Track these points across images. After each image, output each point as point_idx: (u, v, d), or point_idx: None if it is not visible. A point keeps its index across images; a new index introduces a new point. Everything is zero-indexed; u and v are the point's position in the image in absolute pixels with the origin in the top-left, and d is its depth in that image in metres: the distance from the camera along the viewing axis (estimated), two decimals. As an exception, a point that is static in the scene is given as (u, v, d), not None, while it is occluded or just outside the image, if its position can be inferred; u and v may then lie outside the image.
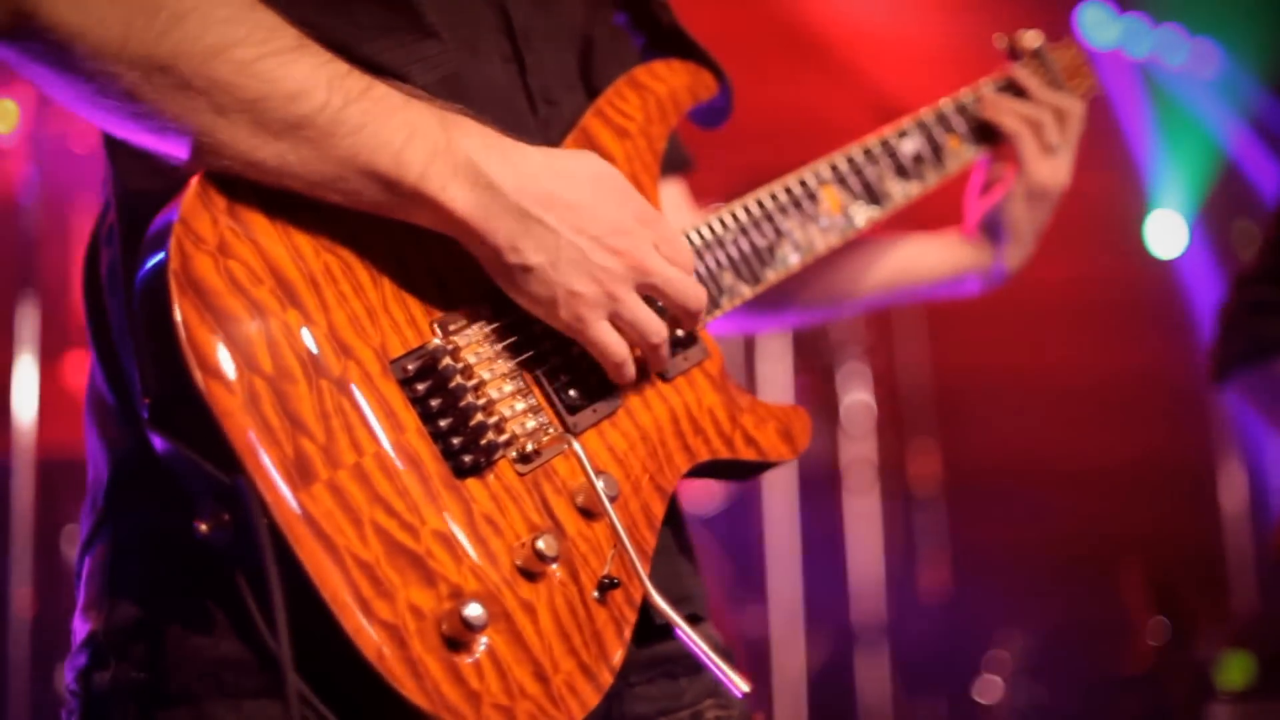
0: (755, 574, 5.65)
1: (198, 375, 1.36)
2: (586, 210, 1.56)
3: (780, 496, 5.73)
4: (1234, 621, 6.56)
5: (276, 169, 1.46)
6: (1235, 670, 6.11)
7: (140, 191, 1.54)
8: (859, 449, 5.99)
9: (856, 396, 6.01)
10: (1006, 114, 2.16)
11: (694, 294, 1.63)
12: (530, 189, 1.53)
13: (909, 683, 5.93)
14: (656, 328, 1.61)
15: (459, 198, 1.50)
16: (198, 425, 1.37)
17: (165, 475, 1.42)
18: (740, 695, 1.52)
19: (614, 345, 1.60)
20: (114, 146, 1.61)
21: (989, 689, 5.69)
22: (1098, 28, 6.92)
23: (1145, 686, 5.88)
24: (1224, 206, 7.19)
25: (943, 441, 6.24)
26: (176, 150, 1.46)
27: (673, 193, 2.13)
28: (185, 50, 1.42)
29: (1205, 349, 3.11)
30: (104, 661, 1.54)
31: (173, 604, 1.50)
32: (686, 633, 1.54)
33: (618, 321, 1.59)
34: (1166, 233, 7.25)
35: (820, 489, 5.92)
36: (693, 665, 1.83)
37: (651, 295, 1.62)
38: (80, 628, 1.60)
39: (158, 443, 1.40)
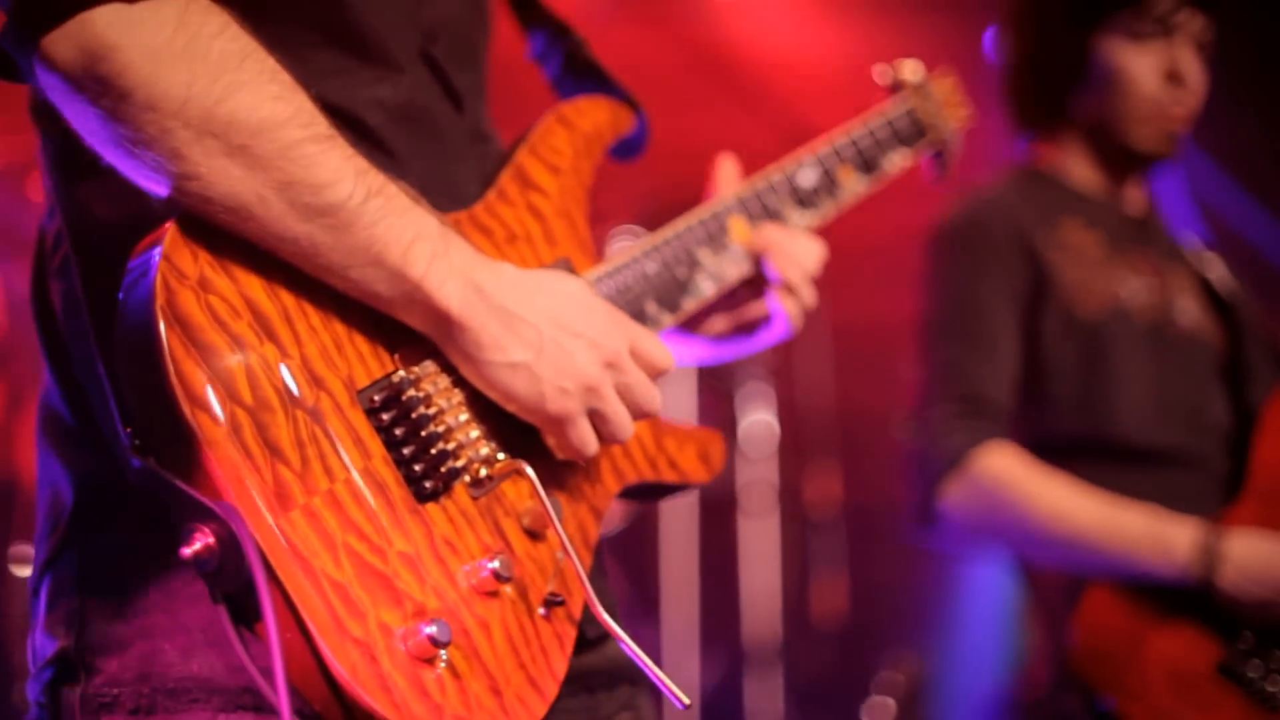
0: (650, 594, 5.80)
1: (185, 407, 1.49)
2: (565, 312, 1.73)
3: (678, 517, 5.89)
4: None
5: (293, 248, 1.60)
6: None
7: (103, 225, 1.67)
8: (759, 470, 6.15)
9: (757, 417, 6.18)
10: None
11: (652, 400, 1.80)
12: (513, 293, 1.70)
13: (801, 704, 6.08)
14: (629, 429, 1.78)
15: (454, 296, 1.66)
16: (183, 453, 1.50)
17: (140, 496, 1.55)
18: (682, 707, 1.68)
19: (590, 444, 1.76)
20: (70, 179, 1.73)
21: (881, 711, 5.88)
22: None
23: (1040, 712, 6.12)
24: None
25: (844, 463, 6.40)
26: (186, 196, 1.57)
27: None
28: (240, 120, 1.55)
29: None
30: (75, 676, 1.67)
31: (150, 622, 1.63)
32: (630, 645, 1.70)
33: (594, 418, 1.76)
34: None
35: (717, 510, 6.07)
36: (608, 680, 2.02)
37: (622, 392, 1.78)
38: (45, 645, 1.72)
39: (139, 468, 1.52)
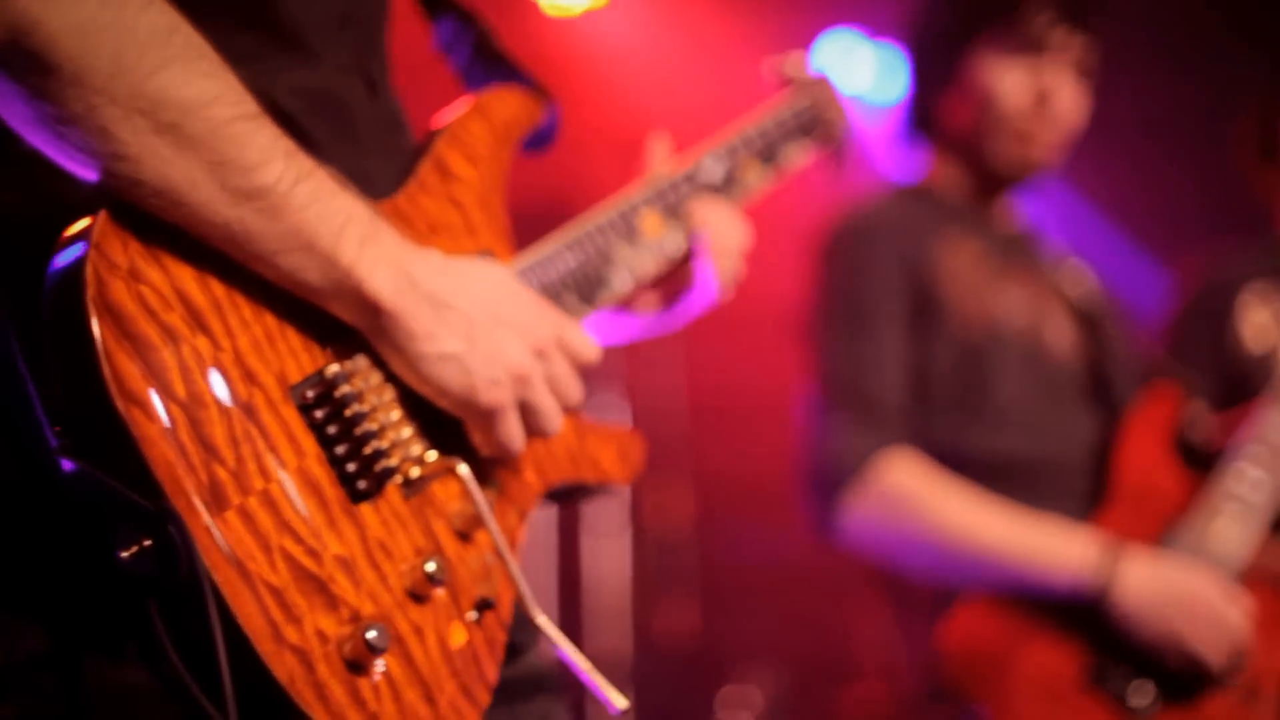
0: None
1: (119, 402, 1.44)
2: (495, 301, 1.71)
3: (532, 530, 5.85)
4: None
5: (223, 233, 1.56)
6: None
7: (18, 216, 1.60)
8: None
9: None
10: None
11: (577, 394, 1.79)
12: (443, 281, 1.68)
13: (650, 720, 6.10)
14: (558, 422, 1.77)
15: (385, 284, 1.63)
16: (116, 452, 1.45)
17: (66, 502, 1.49)
18: (617, 712, 1.68)
19: (519, 438, 1.74)
20: None
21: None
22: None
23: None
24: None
25: (695, 475, 6.44)
26: (114, 177, 1.52)
27: None
28: (169, 97, 1.51)
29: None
30: (5, 694, 1.59)
31: (83, 634, 1.56)
32: (567, 648, 1.69)
33: (524, 411, 1.74)
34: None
35: (566, 524, 6.06)
36: (527, 690, 2.00)
37: (550, 383, 1.76)
38: None
39: (69, 470, 1.47)
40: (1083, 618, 3.02)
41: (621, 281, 2.07)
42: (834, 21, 6.84)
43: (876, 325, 3.22)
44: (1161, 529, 3.17)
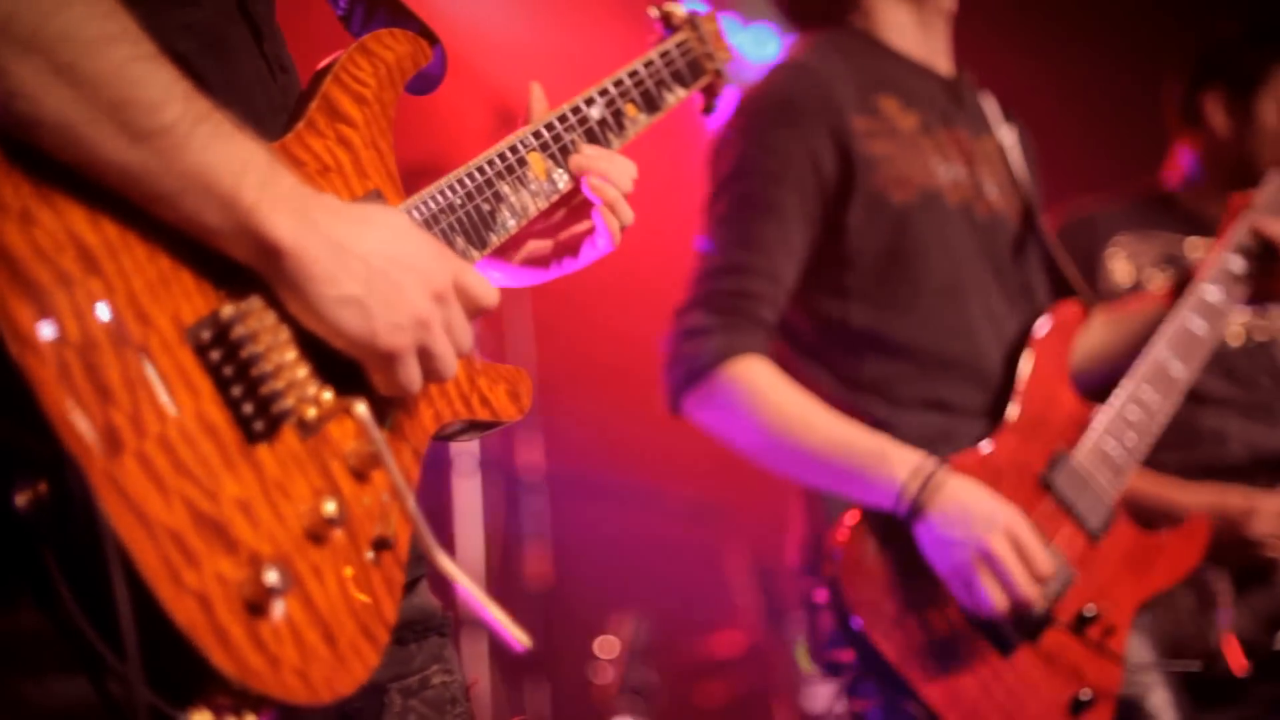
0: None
1: (13, 346, 1.39)
2: (394, 245, 1.67)
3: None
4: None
5: (120, 174, 1.51)
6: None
7: None
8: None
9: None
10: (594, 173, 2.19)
11: (470, 338, 1.75)
12: (342, 225, 1.63)
13: (509, 671, 6.08)
14: (454, 366, 1.72)
15: (285, 226, 1.58)
16: (9, 396, 1.39)
17: None
18: (521, 650, 1.65)
19: (417, 381, 1.70)
20: None
21: (597, 673, 5.92)
22: (754, 47, 7.32)
23: (746, 668, 6.28)
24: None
25: (546, 431, 6.41)
26: (11, 116, 1.46)
27: None
28: (70, 36, 1.46)
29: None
30: None
31: None
32: (470, 588, 1.65)
33: (422, 355, 1.69)
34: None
35: (428, 471, 6.01)
36: (419, 630, 1.98)
37: (446, 327, 1.72)
38: None
39: None
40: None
41: (510, 223, 2.04)
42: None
43: (779, 213, 3.13)
44: (1047, 457, 3.15)
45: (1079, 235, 4.19)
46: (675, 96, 2.40)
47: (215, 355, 1.56)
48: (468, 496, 6.20)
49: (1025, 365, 3.23)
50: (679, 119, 2.49)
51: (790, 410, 3.04)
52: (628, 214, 2.16)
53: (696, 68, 2.46)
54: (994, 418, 3.20)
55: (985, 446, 3.12)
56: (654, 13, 2.50)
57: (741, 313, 3.10)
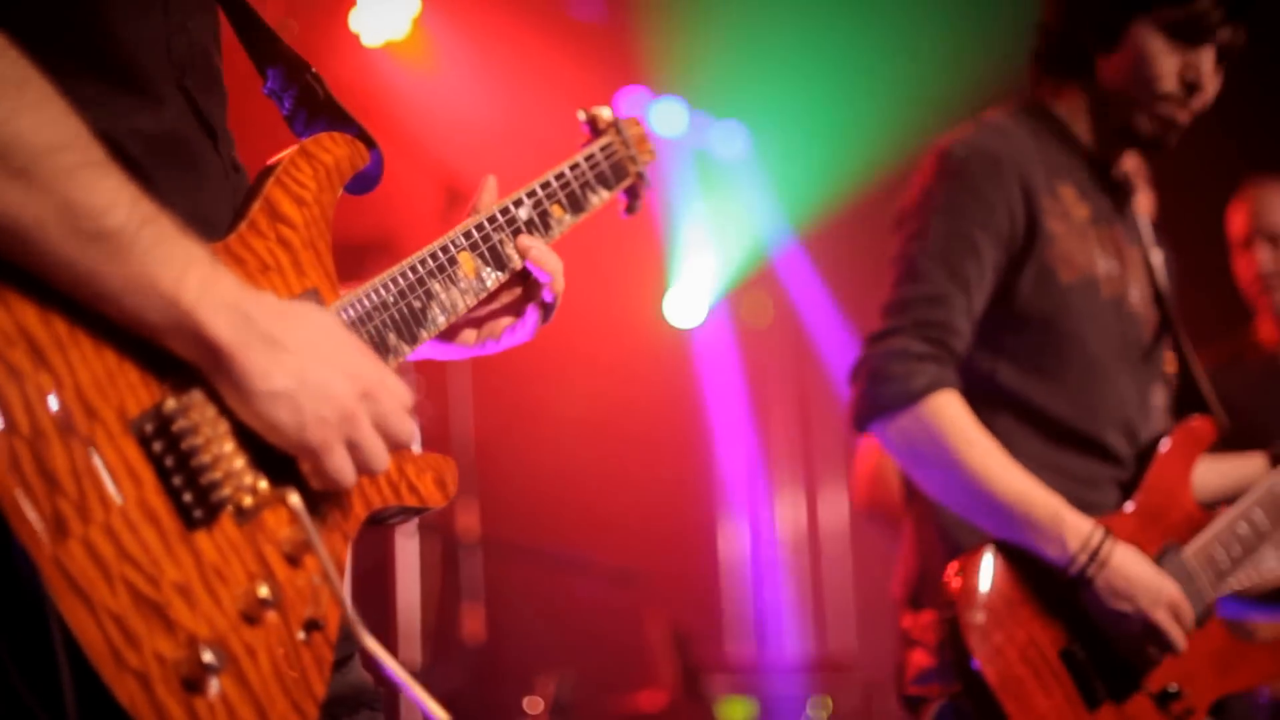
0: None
1: None
2: (324, 344, 1.72)
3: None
4: (733, 668, 7.14)
5: (69, 274, 1.55)
6: (735, 711, 6.66)
7: None
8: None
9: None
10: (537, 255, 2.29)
11: (407, 430, 1.80)
12: (278, 324, 1.68)
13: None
14: (384, 460, 1.77)
15: (223, 324, 1.63)
16: None
17: None
18: None
19: (347, 474, 1.74)
20: None
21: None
22: (663, 119, 7.46)
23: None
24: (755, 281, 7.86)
25: (483, 497, 6.46)
26: None
27: None
28: (21, 143, 1.51)
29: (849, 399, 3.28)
30: None
31: None
32: (391, 664, 1.70)
33: (351, 448, 1.73)
34: (686, 306, 7.83)
35: (371, 534, 6.03)
36: (350, 705, 2.01)
37: (376, 422, 1.76)
38: None
39: None
40: (1073, 596, 3.13)
41: (440, 320, 2.09)
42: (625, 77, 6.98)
43: (976, 263, 3.23)
44: (1160, 546, 3.26)
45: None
46: (599, 198, 2.46)
47: (158, 446, 1.61)
48: (408, 556, 6.23)
49: (1154, 461, 3.37)
50: (599, 216, 2.57)
51: (981, 454, 3.14)
52: (555, 301, 2.27)
53: (620, 170, 2.52)
54: (1111, 497, 3.34)
55: (1121, 512, 3.28)
56: (581, 115, 2.57)
57: (947, 346, 3.20)
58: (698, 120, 7.66)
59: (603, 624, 6.96)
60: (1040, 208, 3.30)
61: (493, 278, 2.21)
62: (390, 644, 6.08)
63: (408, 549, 6.23)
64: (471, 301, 2.16)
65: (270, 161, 1.97)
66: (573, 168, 2.44)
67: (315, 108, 2.15)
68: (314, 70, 2.16)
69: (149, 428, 1.61)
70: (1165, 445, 3.39)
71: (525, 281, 2.29)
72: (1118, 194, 3.52)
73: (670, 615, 6.68)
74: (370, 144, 2.09)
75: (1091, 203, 3.42)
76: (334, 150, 2.01)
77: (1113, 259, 3.41)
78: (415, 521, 6.08)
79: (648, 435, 7.59)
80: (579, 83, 6.84)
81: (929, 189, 3.36)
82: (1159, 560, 3.22)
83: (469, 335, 2.28)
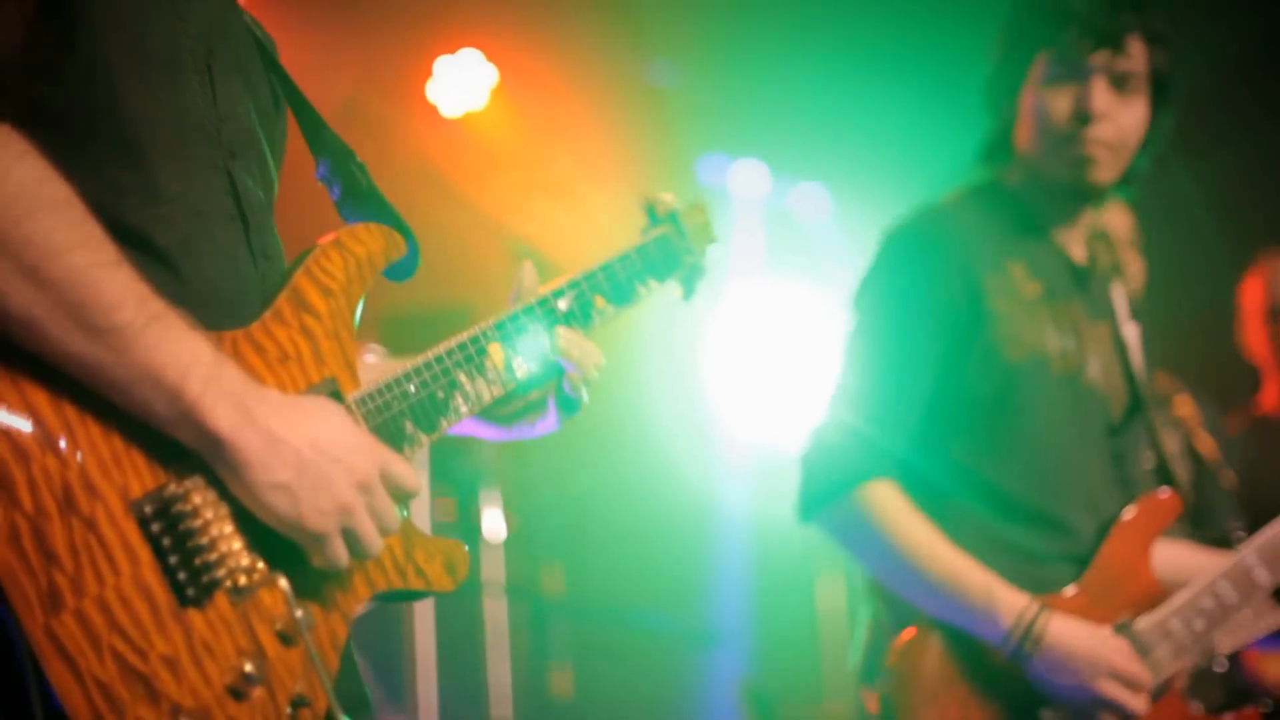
0: (394, 680, 5.81)
1: None
2: (324, 437, 1.81)
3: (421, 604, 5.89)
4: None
5: (79, 365, 1.67)
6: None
7: None
8: (494, 562, 6.23)
9: (493, 513, 6.26)
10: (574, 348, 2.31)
11: (395, 523, 1.88)
12: (278, 418, 1.78)
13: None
14: (378, 546, 1.86)
15: (224, 418, 1.73)
16: None
17: None
18: None
19: (342, 559, 1.83)
20: None
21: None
22: (743, 181, 7.50)
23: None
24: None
25: (568, 559, 6.53)
26: None
27: None
28: (36, 243, 1.63)
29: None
30: None
31: None
32: None
33: (347, 536, 1.83)
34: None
35: (460, 597, 6.12)
36: None
37: (372, 513, 1.85)
38: None
39: None
40: (1012, 678, 3.14)
41: (464, 409, 2.13)
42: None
43: (917, 348, 3.29)
44: (1113, 623, 3.24)
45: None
46: (648, 288, 2.47)
47: (156, 527, 1.71)
48: (497, 618, 6.29)
49: (1111, 535, 3.35)
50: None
51: (915, 538, 3.20)
52: (586, 394, 2.29)
53: (673, 260, 2.53)
54: (1065, 573, 3.32)
55: (1064, 593, 3.26)
56: (641, 201, 2.58)
57: (885, 432, 3.26)
58: (779, 182, 7.68)
59: (689, 685, 6.99)
60: (983, 288, 3.32)
61: (523, 369, 2.24)
62: (482, 705, 6.16)
63: (497, 611, 6.30)
64: (498, 392, 2.20)
65: (306, 249, 2.05)
66: (622, 259, 2.44)
67: (359, 196, 2.24)
68: (359, 160, 2.25)
69: (149, 509, 1.71)
70: (1125, 518, 3.37)
71: (556, 373, 2.31)
72: (1079, 274, 3.51)
73: (758, 676, 6.70)
74: (407, 234, 2.16)
75: (1045, 279, 3.42)
76: (368, 242, 2.08)
77: (1068, 335, 3.41)
78: (503, 585, 6.24)
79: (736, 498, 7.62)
80: (658, 148, 6.93)
81: (869, 276, 3.43)
82: (1115, 633, 3.21)
83: (507, 418, 2.33)
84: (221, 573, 1.76)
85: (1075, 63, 3.33)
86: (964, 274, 3.32)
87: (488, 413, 2.27)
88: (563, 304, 2.31)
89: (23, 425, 1.63)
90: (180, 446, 1.75)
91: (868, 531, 3.22)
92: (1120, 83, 3.34)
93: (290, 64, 2.30)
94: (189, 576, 1.73)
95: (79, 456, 1.67)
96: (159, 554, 1.71)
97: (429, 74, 6.64)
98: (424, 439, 2.08)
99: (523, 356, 2.23)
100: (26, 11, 1.78)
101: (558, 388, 2.30)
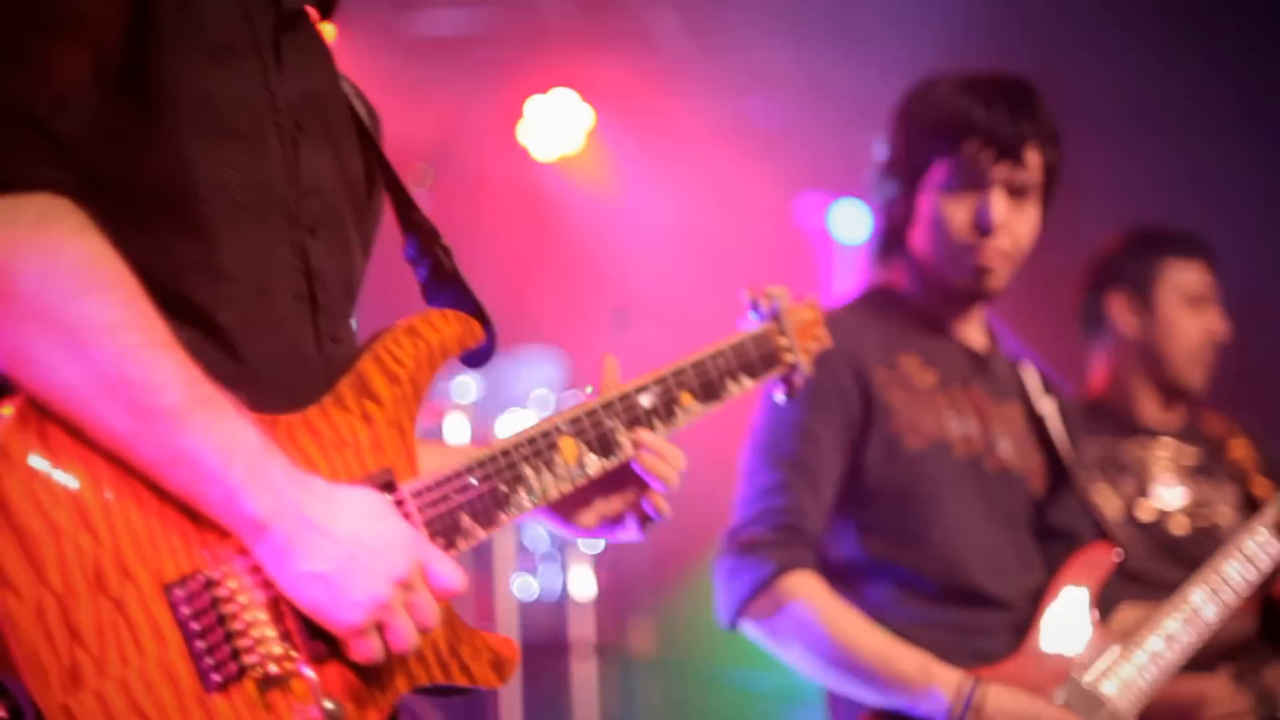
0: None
1: None
2: (366, 530, 1.78)
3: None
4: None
5: (122, 444, 1.67)
6: None
7: None
8: (583, 620, 6.15)
9: (580, 571, 6.18)
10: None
11: (434, 620, 1.84)
12: (321, 508, 1.76)
13: None
14: (413, 642, 1.82)
15: (266, 506, 1.72)
16: None
17: None
18: None
19: (378, 654, 1.80)
20: None
21: None
22: (844, 221, 7.38)
23: None
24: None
25: (658, 616, 6.43)
26: (24, 383, 1.64)
27: None
28: (86, 320, 1.64)
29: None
30: None
31: None
32: None
33: (383, 631, 1.80)
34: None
35: (548, 656, 6.03)
36: None
37: (411, 610, 1.81)
38: None
39: None
40: None
41: (526, 504, 2.08)
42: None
43: (816, 450, 3.31)
44: (1062, 680, 3.25)
45: None
46: (740, 387, 2.42)
47: (187, 610, 1.69)
48: (585, 679, 6.21)
49: (1047, 595, 3.37)
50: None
51: (842, 626, 3.18)
52: (665, 506, 2.25)
53: (772, 359, 2.50)
54: (1007, 641, 3.33)
55: (1005, 661, 3.26)
56: (744, 295, 2.54)
57: (794, 529, 3.26)
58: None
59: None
60: (874, 383, 3.36)
61: (596, 465, 2.17)
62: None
63: (585, 672, 6.21)
64: (567, 488, 2.14)
65: (379, 330, 2.02)
66: (715, 357, 2.39)
67: (443, 279, 2.22)
68: (444, 243, 2.23)
69: (181, 593, 1.69)
70: (1058, 576, 3.38)
71: (633, 481, 2.25)
72: (977, 360, 3.55)
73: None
74: (485, 321, 2.12)
75: (940, 367, 3.47)
76: (442, 330, 2.04)
77: (970, 418, 3.46)
78: (591, 644, 6.14)
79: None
80: (756, 189, 6.82)
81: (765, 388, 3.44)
82: (1061, 690, 3.22)
83: (586, 518, 2.29)
84: (252, 659, 1.74)
85: (975, 174, 3.39)
86: (855, 371, 3.36)
87: (560, 509, 2.24)
88: (646, 400, 2.25)
89: (59, 501, 1.63)
90: (219, 530, 1.74)
91: (796, 622, 3.21)
92: (1017, 191, 3.41)
93: (379, 107, 2.30)
94: (217, 662, 1.71)
95: (114, 535, 1.66)
96: (188, 637, 1.69)
97: (520, 115, 6.54)
98: (481, 534, 2.03)
99: (597, 454, 2.17)
100: (104, 82, 1.78)
101: (637, 503, 2.26)
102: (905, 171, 3.49)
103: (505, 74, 6.55)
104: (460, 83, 6.43)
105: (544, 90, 6.55)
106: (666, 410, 2.27)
